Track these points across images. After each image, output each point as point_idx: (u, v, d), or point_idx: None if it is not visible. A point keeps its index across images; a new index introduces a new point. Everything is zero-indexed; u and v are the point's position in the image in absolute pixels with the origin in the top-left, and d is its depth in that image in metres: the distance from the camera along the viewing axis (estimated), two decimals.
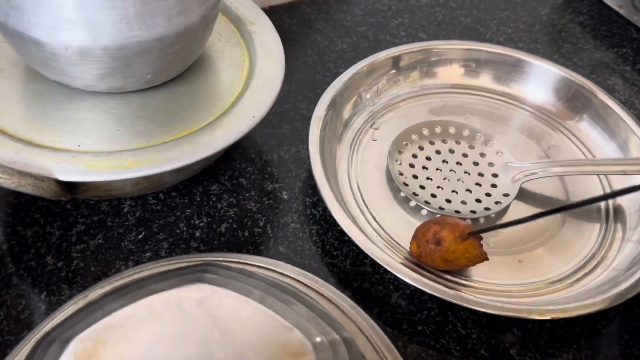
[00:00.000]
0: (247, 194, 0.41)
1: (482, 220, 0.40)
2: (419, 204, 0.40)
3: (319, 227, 0.40)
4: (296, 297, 0.29)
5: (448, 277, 0.36)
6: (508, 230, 0.39)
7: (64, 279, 0.36)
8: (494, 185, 0.42)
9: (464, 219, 0.38)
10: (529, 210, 0.41)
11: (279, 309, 0.26)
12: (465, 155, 0.44)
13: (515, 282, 0.37)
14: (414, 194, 0.40)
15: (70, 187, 0.34)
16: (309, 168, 0.42)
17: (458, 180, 0.42)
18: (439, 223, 0.35)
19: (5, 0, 0.31)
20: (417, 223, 0.39)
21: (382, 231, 0.39)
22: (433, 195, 0.41)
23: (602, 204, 0.42)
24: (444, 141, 0.44)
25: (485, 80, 0.50)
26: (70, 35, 0.31)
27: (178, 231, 0.39)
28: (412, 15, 0.60)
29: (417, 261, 0.37)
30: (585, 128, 0.46)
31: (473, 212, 0.40)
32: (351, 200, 0.41)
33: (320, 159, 0.39)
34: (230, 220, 0.40)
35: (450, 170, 0.42)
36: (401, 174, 0.41)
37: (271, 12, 0.46)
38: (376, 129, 0.46)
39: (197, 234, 0.39)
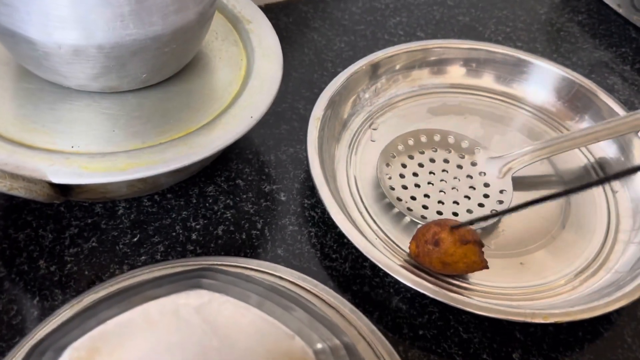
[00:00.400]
0: (244, 196, 0.41)
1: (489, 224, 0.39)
2: (413, 219, 0.39)
3: (318, 230, 0.39)
4: (296, 302, 0.29)
5: (449, 280, 0.36)
6: (509, 232, 0.39)
7: (57, 283, 0.35)
8: (486, 185, 0.41)
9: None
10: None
11: (279, 315, 0.26)
12: (446, 160, 0.43)
13: (517, 284, 0.36)
14: (409, 209, 0.39)
15: (63, 189, 0.33)
16: (307, 169, 0.41)
17: (453, 188, 0.41)
18: (440, 224, 0.34)
19: None
20: (416, 226, 0.39)
21: (382, 233, 0.38)
22: (425, 207, 0.40)
23: (605, 205, 0.41)
24: (421, 152, 0.43)
25: (485, 80, 0.49)
26: (63, 33, 0.31)
27: (174, 234, 0.38)
28: (410, 13, 0.59)
29: (415, 262, 0.36)
30: None
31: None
32: (350, 202, 0.40)
33: (318, 160, 0.38)
34: (227, 223, 0.39)
35: (441, 180, 0.41)
36: (392, 188, 0.40)
37: (267, 10, 0.45)
38: (375, 129, 0.45)
39: (194, 237, 0.38)
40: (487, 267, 0.35)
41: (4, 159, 0.31)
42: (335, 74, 0.45)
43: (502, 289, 0.36)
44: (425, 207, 0.40)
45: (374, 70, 0.47)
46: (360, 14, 0.58)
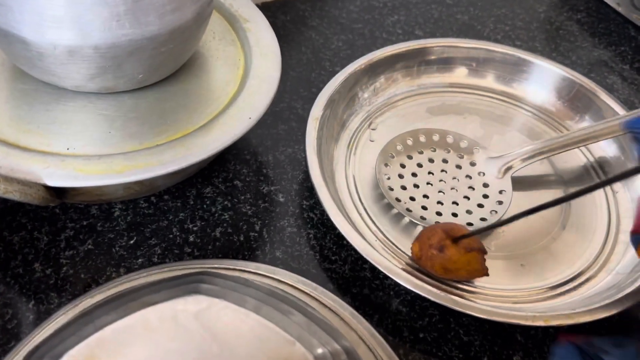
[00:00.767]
0: (242, 197, 0.40)
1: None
2: (412, 220, 0.39)
3: (317, 231, 0.39)
4: (295, 306, 0.28)
5: (450, 282, 0.35)
6: (509, 234, 0.39)
7: (52, 286, 0.34)
8: (485, 185, 0.41)
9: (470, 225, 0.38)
10: (529, 202, 0.40)
11: (279, 320, 0.25)
12: (445, 161, 0.42)
13: (517, 286, 0.36)
14: (408, 210, 0.39)
15: (59, 192, 0.33)
16: (306, 170, 0.41)
17: (452, 189, 0.40)
18: (446, 230, 0.34)
19: None
20: (415, 227, 0.38)
21: (381, 234, 0.38)
22: (424, 208, 0.39)
23: (605, 206, 0.41)
24: (420, 152, 0.43)
25: (484, 79, 0.49)
26: (58, 33, 0.30)
27: (171, 236, 0.37)
28: (408, 12, 0.59)
29: (415, 264, 0.36)
30: None
31: (483, 219, 0.39)
32: (349, 203, 0.39)
33: (317, 161, 0.38)
34: (225, 225, 0.38)
35: (440, 181, 0.41)
36: (391, 189, 0.40)
37: (265, 9, 0.45)
38: (373, 129, 0.45)
39: (191, 239, 0.37)
40: (487, 275, 0.34)
41: None
42: (333, 73, 0.45)
43: (503, 291, 0.36)
44: (424, 207, 0.39)
45: (373, 70, 0.46)
46: (358, 13, 0.58)
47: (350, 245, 0.34)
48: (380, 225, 0.38)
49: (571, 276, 0.37)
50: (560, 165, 0.44)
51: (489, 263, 0.34)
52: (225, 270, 0.32)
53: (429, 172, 0.41)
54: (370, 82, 0.46)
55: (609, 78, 0.53)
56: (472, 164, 0.42)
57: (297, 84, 0.49)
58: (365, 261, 0.37)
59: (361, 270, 0.37)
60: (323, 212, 0.39)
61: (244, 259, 0.37)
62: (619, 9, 0.60)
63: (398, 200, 0.39)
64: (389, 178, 0.40)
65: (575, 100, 0.46)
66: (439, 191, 0.40)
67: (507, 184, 0.41)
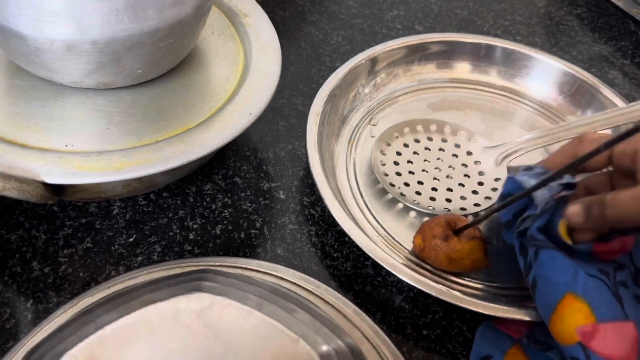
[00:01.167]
0: (243, 194, 0.40)
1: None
2: (407, 204, 0.38)
3: (318, 228, 0.38)
4: (298, 304, 0.28)
5: (452, 278, 0.35)
6: None
7: (51, 285, 0.34)
8: (481, 173, 0.41)
9: (466, 215, 0.37)
10: None
11: (282, 318, 0.25)
12: (442, 149, 0.42)
13: (520, 283, 0.36)
14: (401, 194, 0.39)
15: (57, 189, 0.32)
16: (306, 166, 0.40)
17: (447, 176, 0.40)
18: (448, 221, 0.34)
19: None
20: (417, 222, 0.38)
21: (383, 230, 0.38)
22: (418, 193, 0.39)
23: None
24: (417, 141, 0.43)
25: (486, 74, 0.48)
26: (56, 28, 0.29)
27: (171, 233, 0.37)
28: (407, 7, 0.58)
29: (418, 256, 0.35)
30: None
31: (477, 204, 0.39)
32: (350, 199, 0.39)
33: (318, 157, 0.38)
34: (225, 222, 0.38)
35: (436, 168, 0.41)
36: (386, 174, 0.40)
37: (263, 4, 0.44)
38: (374, 125, 0.44)
39: (191, 237, 0.37)
40: (489, 265, 0.34)
41: None
42: (333, 68, 0.44)
43: (506, 287, 0.35)
44: (418, 193, 0.39)
45: (373, 65, 0.46)
46: (357, 8, 0.57)
47: (352, 242, 0.34)
48: (381, 222, 0.38)
49: None
50: None
51: (491, 259, 0.34)
52: (226, 267, 0.32)
53: (425, 160, 0.41)
54: (371, 78, 0.46)
55: (609, 73, 0.53)
56: (469, 153, 0.42)
57: (296, 79, 0.49)
58: (368, 258, 0.36)
59: (363, 267, 0.36)
60: (324, 209, 0.39)
61: (245, 256, 0.36)
62: (619, 4, 0.60)
63: (392, 185, 0.39)
64: (384, 164, 0.40)
65: (577, 96, 0.46)
66: (434, 178, 0.40)
67: (502, 172, 0.40)
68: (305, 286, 0.32)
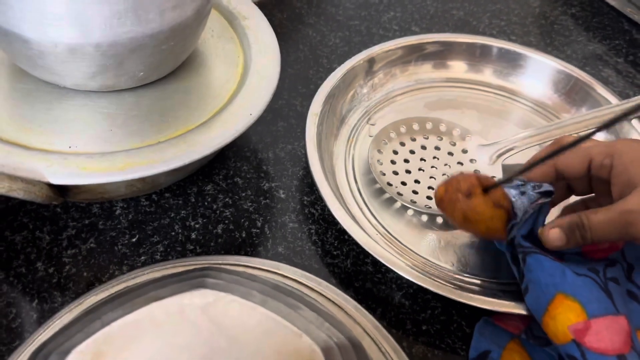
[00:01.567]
0: (243, 194, 0.40)
1: None
2: (403, 203, 0.39)
3: (318, 227, 0.39)
4: (301, 300, 0.28)
5: (451, 274, 0.36)
6: None
7: (55, 285, 0.34)
8: (476, 171, 0.41)
9: None
10: None
11: (286, 313, 0.26)
12: (437, 148, 0.43)
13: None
14: (399, 193, 0.39)
15: (61, 190, 0.33)
16: (306, 166, 0.41)
17: (443, 175, 0.41)
18: (480, 179, 0.32)
19: None
20: (415, 220, 0.39)
21: (382, 228, 0.38)
22: (415, 192, 0.40)
23: None
24: (413, 139, 0.43)
25: (482, 73, 0.49)
26: (59, 31, 0.30)
27: (173, 233, 0.38)
28: (403, 8, 0.59)
29: (436, 206, 0.34)
30: None
31: None
32: (350, 198, 0.40)
33: (318, 156, 0.38)
34: (226, 221, 0.39)
35: (432, 167, 0.41)
36: (383, 174, 0.40)
37: (261, 7, 0.45)
38: (372, 124, 0.45)
39: (193, 236, 0.37)
40: (504, 239, 0.33)
41: (1, 161, 0.30)
42: (331, 69, 0.45)
43: (505, 283, 0.36)
44: (415, 192, 0.40)
45: (371, 66, 0.46)
46: (354, 9, 0.58)
47: (352, 240, 0.34)
48: (381, 220, 0.39)
49: None
50: None
51: (489, 255, 0.35)
52: (229, 266, 0.32)
53: (421, 159, 0.42)
54: (369, 78, 0.47)
55: (603, 71, 0.53)
56: (464, 151, 0.42)
57: (295, 81, 0.49)
58: (367, 255, 0.37)
59: (363, 265, 0.37)
60: (324, 208, 0.39)
61: (246, 255, 0.37)
62: (613, 3, 0.61)
63: (389, 184, 0.40)
64: (381, 163, 0.41)
65: (572, 94, 0.46)
66: (431, 177, 0.41)
67: (497, 170, 0.41)
68: (306, 283, 0.33)
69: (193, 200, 0.39)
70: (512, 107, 0.48)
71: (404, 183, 0.40)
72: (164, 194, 0.40)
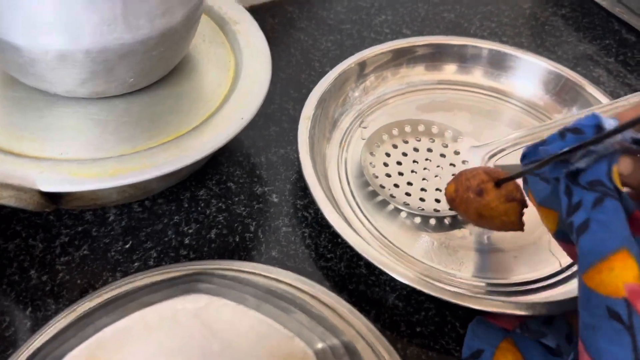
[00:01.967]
0: (236, 198, 0.40)
1: None
2: (396, 206, 0.39)
3: (312, 230, 0.39)
4: (293, 303, 0.29)
5: (444, 275, 0.36)
6: None
7: (49, 293, 0.34)
8: None
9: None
10: None
11: (278, 316, 0.26)
12: (430, 149, 0.43)
13: (512, 278, 0.36)
14: (392, 196, 0.39)
15: (53, 197, 0.33)
16: (299, 170, 0.41)
17: (435, 176, 0.41)
18: (489, 173, 0.32)
19: None
20: (409, 222, 0.39)
21: (375, 231, 0.38)
22: (408, 194, 0.40)
23: None
24: (405, 142, 0.43)
25: (473, 75, 0.49)
26: (49, 38, 0.30)
27: (166, 239, 0.38)
28: (394, 11, 0.59)
29: (449, 206, 0.34)
30: None
31: None
32: (343, 201, 0.40)
33: (310, 160, 0.38)
34: (219, 226, 0.39)
35: (424, 169, 0.41)
36: (376, 176, 0.41)
37: (253, 12, 0.45)
38: (365, 127, 0.45)
39: (187, 241, 0.38)
40: (522, 230, 0.33)
41: None
42: (322, 73, 0.45)
43: (498, 283, 0.36)
44: (407, 194, 0.40)
45: (362, 69, 0.47)
46: (345, 13, 0.58)
47: (345, 243, 0.34)
48: (374, 222, 0.39)
49: (564, 266, 0.37)
50: None
51: (482, 256, 0.35)
52: (222, 270, 0.32)
53: (414, 161, 0.42)
54: (360, 81, 0.47)
55: (594, 71, 0.54)
56: (456, 153, 0.43)
57: (287, 85, 0.49)
58: (361, 258, 0.37)
59: (357, 267, 0.37)
60: (317, 211, 0.39)
61: (240, 259, 0.37)
62: (603, 3, 0.61)
63: (382, 187, 0.40)
64: (374, 166, 0.41)
65: (562, 94, 0.47)
66: (423, 179, 0.41)
67: None
68: (300, 287, 0.33)
69: (186, 205, 0.39)
70: (503, 108, 0.48)
71: (396, 185, 0.40)
72: (156, 199, 0.40)
